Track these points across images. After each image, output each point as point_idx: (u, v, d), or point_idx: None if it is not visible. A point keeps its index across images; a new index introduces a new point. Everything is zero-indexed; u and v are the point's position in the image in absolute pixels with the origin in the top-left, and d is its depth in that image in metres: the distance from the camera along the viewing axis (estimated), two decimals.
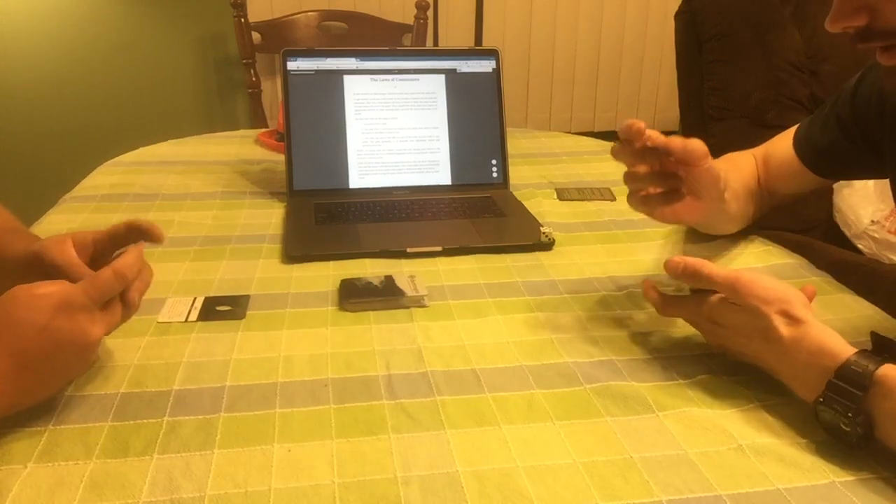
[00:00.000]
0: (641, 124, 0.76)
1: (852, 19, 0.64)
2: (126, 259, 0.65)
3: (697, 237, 1.02)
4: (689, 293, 0.75)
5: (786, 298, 0.66)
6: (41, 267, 0.68)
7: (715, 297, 0.71)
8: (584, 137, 1.64)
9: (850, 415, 0.57)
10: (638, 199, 0.83)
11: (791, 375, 0.65)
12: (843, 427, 0.58)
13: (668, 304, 0.76)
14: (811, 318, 0.65)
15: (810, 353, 0.63)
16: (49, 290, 0.59)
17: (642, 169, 0.81)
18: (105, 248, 0.73)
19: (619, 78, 2.65)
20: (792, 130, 1.01)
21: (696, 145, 0.78)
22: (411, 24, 2.22)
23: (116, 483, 0.55)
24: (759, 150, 1.05)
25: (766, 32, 1.71)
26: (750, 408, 0.65)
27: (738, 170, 0.99)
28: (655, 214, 0.83)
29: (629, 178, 0.82)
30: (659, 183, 0.82)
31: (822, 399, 0.60)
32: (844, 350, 0.61)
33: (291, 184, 1.17)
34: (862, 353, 0.60)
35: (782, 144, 1.01)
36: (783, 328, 0.64)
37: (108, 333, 0.63)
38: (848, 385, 0.59)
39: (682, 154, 0.78)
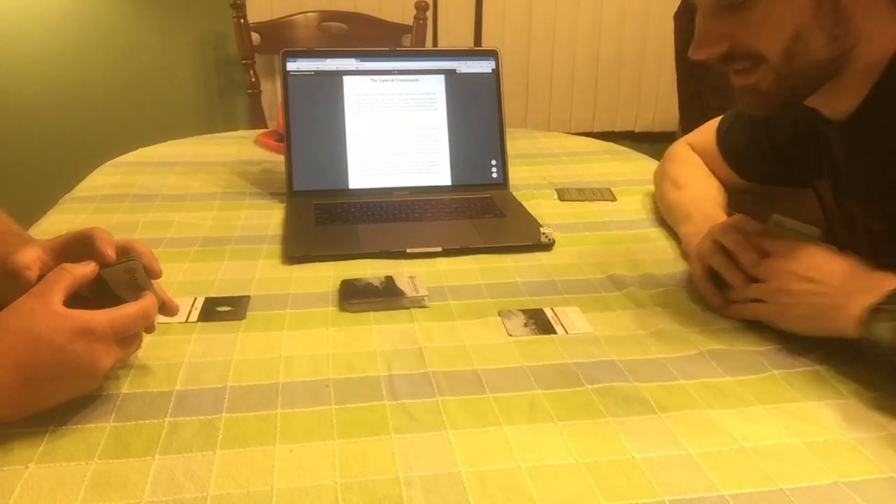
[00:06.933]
0: None
1: (715, 46, 0.72)
2: (152, 299, 0.66)
3: None
4: None
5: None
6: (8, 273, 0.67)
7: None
8: (584, 138, 1.64)
9: None
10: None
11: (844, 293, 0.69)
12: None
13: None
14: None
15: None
16: (73, 312, 0.59)
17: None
18: (69, 254, 0.69)
19: (619, 78, 2.65)
20: (713, 124, 1.07)
21: None
22: (411, 24, 2.22)
23: (118, 483, 0.54)
24: (694, 145, 1.11)
25: None
26: (752, 408, 0.65)
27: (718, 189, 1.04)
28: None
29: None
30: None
31: (883, 303, 0.64)
32: None
33: (291, 184, 1.17)
34: None
35: (706, 140, 1.07)
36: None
37: (114, 365, 0.63)
38: None
39: None
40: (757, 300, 0.77)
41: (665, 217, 1.08)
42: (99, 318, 0.60)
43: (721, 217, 0.94)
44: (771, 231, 0.79)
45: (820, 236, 0.76)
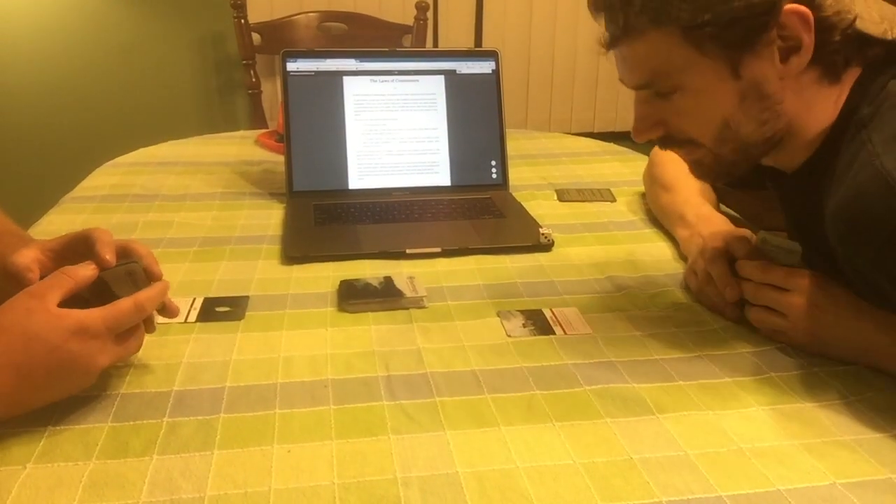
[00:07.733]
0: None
1: (651, 132, 0.75)
2: (149, 293, 0.65)
3: None
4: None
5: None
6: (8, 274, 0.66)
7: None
8: (584, 138, 1.64)
9: None
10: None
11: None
12: None
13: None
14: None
15: None
16: (68, 311, 0.59)
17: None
18: (67, 255, 0.69)
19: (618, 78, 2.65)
20: None
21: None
22: (411, 24, 2.22)
23: (116, 483, 0.55)
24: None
25: None
26: (750, 409, 0.65)
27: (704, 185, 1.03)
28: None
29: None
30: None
31: None
32: None
33: (291, 185, 1.17)
34: None
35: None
36: None
37: (113, 364, 0.63)
38: None
39: None
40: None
41: (659, 220, 1.08)
42: (92, 315, 0.60)
43: (711, 212, 0.95)
44: (759, 250, 0.79)
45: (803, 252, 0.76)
